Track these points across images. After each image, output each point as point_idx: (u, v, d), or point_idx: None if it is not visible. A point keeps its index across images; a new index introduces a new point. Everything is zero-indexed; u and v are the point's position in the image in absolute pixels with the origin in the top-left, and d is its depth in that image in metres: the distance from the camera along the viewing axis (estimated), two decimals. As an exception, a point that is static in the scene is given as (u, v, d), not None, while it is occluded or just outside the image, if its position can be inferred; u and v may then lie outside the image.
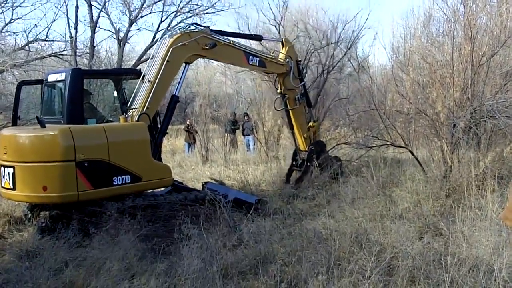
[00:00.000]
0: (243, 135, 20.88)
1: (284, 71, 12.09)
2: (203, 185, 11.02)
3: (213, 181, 11.94)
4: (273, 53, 12.38)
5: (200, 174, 14.15)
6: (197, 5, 23.30)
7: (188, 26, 10.11)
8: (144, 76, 9.34)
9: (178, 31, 9.85)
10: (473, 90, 9.75)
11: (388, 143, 11.33)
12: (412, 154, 10.76)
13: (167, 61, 9.36)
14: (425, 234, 7.17)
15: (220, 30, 10.89)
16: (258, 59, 11.35)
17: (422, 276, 5.56)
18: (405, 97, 11.43)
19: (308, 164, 12.24)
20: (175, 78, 10.34)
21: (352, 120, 14.01)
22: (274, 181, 12.55)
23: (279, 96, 12.80)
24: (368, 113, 13.14)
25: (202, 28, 10.33)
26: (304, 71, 13.84)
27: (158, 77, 9.22)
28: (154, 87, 9.16)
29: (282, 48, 12.35)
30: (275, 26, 18.11)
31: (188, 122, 21.19)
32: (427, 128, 10.51)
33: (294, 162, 12.90)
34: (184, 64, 10.08)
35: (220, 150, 17.28)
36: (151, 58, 9.81)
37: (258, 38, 12.77)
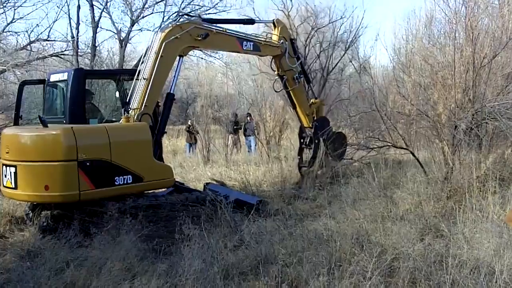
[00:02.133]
0: (245, 135, 20.87)
1: (279, 52, 11.93)
2: (204, 185, 11.02)
3: (214, 182, 11.94)
4: (266, 35, 12.22)
5: (201, 175, 14.14)
6: (198, 5, 23.34)
7: (178, 18, 10.00)
8: (139, 73, 9.24)
9: (169, 25, 9.70)
10: (474, 92, 9.75)
11: (389, 144, 11.31)
12: (413, 155, 10.75)
13: (161, 56, 9.21)
14: (426, 236, 7.16)
15: (212, 19, 10.81)
16: (252, 43, 11.26)
17: (423, 277, 5.56)
18: (407, 98, 11.45)
19: (317, 141, 12.32)
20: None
21: (354, 121, 13.95)
22: (275, 182, 12.54)
23: (277, 77, 12.75)
24: (369, 114, 13.09)
25: (193, 18, 10.25)
26: (307, 50, 13.73)
27: (153, 73, 9.11)
28: (150, 84, 9.07)
29: (275, 29, 12.16)
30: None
31: (189, 123, 21.22)
32: (429, 130, 10.51)
33: (302, 141, 12.92)
34: (178, 58, 9.92)
35: (222, 150, 17.28)
36: (145, 55, 9.67)
37: (250, 22, 12.60)
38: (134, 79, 9.21)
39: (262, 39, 11.74)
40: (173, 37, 9.42)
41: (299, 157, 12.92)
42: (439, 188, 9.01)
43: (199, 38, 9.93)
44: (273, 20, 12.40)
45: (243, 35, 11.36)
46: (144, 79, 9.11)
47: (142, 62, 9.40)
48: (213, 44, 10.71)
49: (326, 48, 18.11)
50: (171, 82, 10.23)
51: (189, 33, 9.77)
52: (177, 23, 9.70)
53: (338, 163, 12.32)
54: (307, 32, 18.40)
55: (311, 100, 12.97)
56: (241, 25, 13.38)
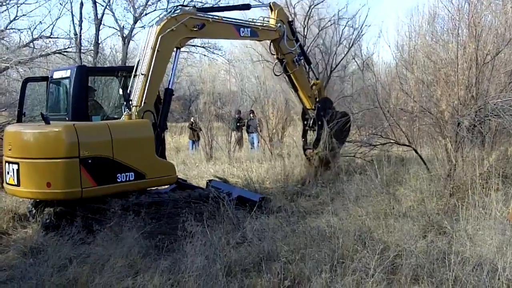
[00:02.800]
0: (248, 132, 20.87)
1: (277, 36, 11.84)
2: (207, 183, 11.02)
3: (217, 179, 11.94)
4: (263, 20, 12.00)
5: (204, 172, 14.15)
6: (201, 2, 23.32)
7: (173, 9, 9.90)
8: (136, 69, 9.20)
9: (164, 18, 9.58)
10: (477, 89, 9.73)
11: (392, 141, 11.30)
12: (416, 152, 10.74)
13: (158, 50, 9.13)
14: (428, 233, 7.15)
15: (207, 7, 10.72)
16: (249, 29, 11.18)
17: (425, 274, 5.56)
18: (410, 95, 11.43)
19: (320, 123, 12.29)
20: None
21: (356, 118, 13.94)
22: (278, 179, 12.54)
23: (276, 61, 12.67)
24: (372, 111, 13.08)
25: (187, 9, 10.17)
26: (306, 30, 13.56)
27: (151, 68, 9.04)
28: (149, 79, 9.00)
29: (271, 12, 12.06)
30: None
31: (192, 120, 21.22)
32: (431, 127, 10.49)
33: (305, 122, 12.87)
34: (175, 50, 9.83)
35: (224, 147, 17.29)
36: (141, 50, 9.55)
37: (246, 7, 12.22)
38: (132, 75, 9.17)
39: (259, 24, 11.63)
40: (168, 30, 9.32)
41: (303, 139, 12.91)
42: (442, 185, 9.00)
43: (195, 29, 9.83)
44: (270, 3, 12.19)
45: (240, 21, 11.29)
46: (142, 74, 9.05)
47: (138, 57, 9.32)
48: (210, 33, 10.63)
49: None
50: (169, 76, 10.13)
51: (185, 24, 9.66)
52: (172, 15, 9.60)
53: (342, 145, 12.30)
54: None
55: (313, 81, 12.93)
56: (238, 11, 13.21)
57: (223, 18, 10.68)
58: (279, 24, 11.82)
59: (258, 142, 19.43)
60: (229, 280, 5.78)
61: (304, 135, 12.92)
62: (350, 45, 18.64)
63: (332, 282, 5.44)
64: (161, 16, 9.72)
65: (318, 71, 17.42)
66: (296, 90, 12.84)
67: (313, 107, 12.61)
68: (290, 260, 6.17)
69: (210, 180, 11.29)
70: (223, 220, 7.99)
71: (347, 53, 18.90)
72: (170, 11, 9.76)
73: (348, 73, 21.34)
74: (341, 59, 18.54)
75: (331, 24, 18.19)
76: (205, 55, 28.91)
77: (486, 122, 9.84)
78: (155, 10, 25.32)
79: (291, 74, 12.41)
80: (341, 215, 8.24)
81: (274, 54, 12.43)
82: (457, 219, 7.35)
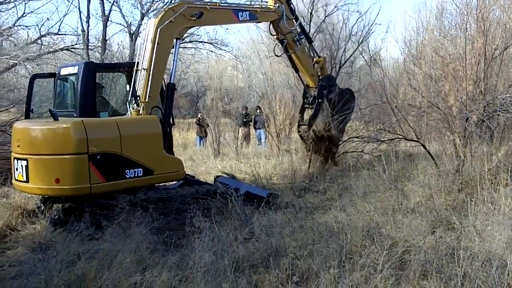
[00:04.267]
0: (255, 128, 20.85)
1: (276, 17, 11.71)
2: (214, 178, 11.02)
3: (225, 175, 11.94)
4: (261, 1, 11.88)
5: (212, 168, 14.16)
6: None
7: (170, 0, 9.78)
8: (138, 65, 9.16)
9: (161, 9, 9.51)
10: (486, 84, 9.69)
11: (400, 136, 11.26)
12: (424, 147, 10.70)
13: (157, 43, 9.07)
14: (437, 228, 7.13)
15: None
16: (247, 12, 11.09)
17: (434, 270, 5.55)
18: (417, 90, 11.39)
19: (320, 100, 12.21)
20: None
21: (364, 113, 13.91)
22: (286, 175, 12.53)
23: (277, 42, 12.57)
24: (380, 107, 13.04)
25: None
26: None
27: (152, 62, 9.00)
28: (151, 74, 8.97)
29: None
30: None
31: (199, 116, 21.23)
32: (440, 122, 10.45)
33: (305, 100, 12.79)
34: (175, 40, 9.75)
35: (232, 143, 17.28)
36: (141, 44, 9.50)
37: None
38: (134, 71, 9.13)
39: (258, 7, 11.52)
40: (167, 22, 9.25)
41: (299, 115, 12.83)
42: (450, 180, 8.96)
43: (194, 18, 9.75)
44: None
45: (238, 5, 11.20)
46: (144, 69, 9.03)
47: (139, 51, 9.28)
48: (209, 20, 10.56)
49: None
50: (171, 70, 10.04)
51: (183, 14, 9.57)
52: (169, 6, 9.55)
53: (345, 124, 12.23)
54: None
55: (314, 59, 12.81)
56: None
57: (221, 4, 10.63)
58: (277, 4, 11.68)
59: (266, 138, 19.42)
60: (237, 275, 5.79)
61: (302, 111, 12.82)
62: (359, 42, 18.61)
63: (341, 278, 5.43)
64: (159, 8, 9.65)
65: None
66: (297, 71, 12.74)
67: (316, 85, 12.51)
68: (298, 255, 6.17)
69: (217, 176, 11.29)
70: (231, 216, 8.00)
71: (355, 50, 18.87)
72: (167, 2, 9.69)
73: (355, 68, 21.29)
74: (350, 56, 18.52)
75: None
76: (212, 51, 28.95)
77: (494, 117, 9.80)
78: (162, 6, 25.34)
79: (292, 54, 12.30)
80: (349, 211, 8.23)
81: (274, 35, 12.30)
82: (466, 215, 7.33)
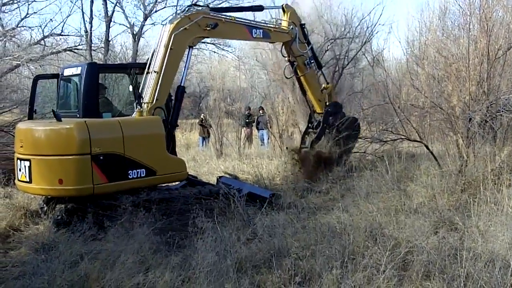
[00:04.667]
0: (257, 129, 20.87)
1: (289, 38, 11.90)
2: (217, 179, 11.03)
3: (227, 175, 11.94)
4: (276, 21, 12.14)
5: (214, 168, 14.17)
6: (213, 2, 23.37)
7: (187, 8, 9.97)
8: (149, 67, 9.25)
9: (178, 16, 9.69)
10: (489, 84, 9.66)
11: (402, 137, 11.25)
12: (427, 148, 10.68)
13: (171, 48, 9.21)
14: (440, 229, 7.12)
15: (220, 7, 10.81)
16: (261, 30, 11.24)
17: (437, 271, 5.54)
18: (420, 91, 11.35)
19: (324, 125, 12.28)
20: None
21: (367, 114, 13.91)
22: (288, 175, 12.52)
23: (288, 64, 12.66)
24: (382, 107, 13.03)
25: (201, 8, 10.21)
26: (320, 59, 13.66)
27: (164, 66, 9.12)
28: (161, 77, 9.07)
29: (284, 14, 12.13)
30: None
31: (202, 116, 21.25)
32: (443, 122, 10.43)
33: (309, 125, 12.88)
34: (188, 48, 9.92)
35: (234, 144, 17.29)
36: (154, 48, 9.62)
37: (259, 8, 12.29)
38: (145, 73, 9.23)
39: (272, 26, 11.69)
40: (182, 29, 9.40)
41: (302, 139, 12.87)
42: (453, 181, 8.95)
43: (208, 28, 9.90)
44: (282, 5, 12.27)
45: (253, 22, 11.35)
46: (155, 72, 9.12)
47: (151, 54, 9.41)
48: (222, 33, 10.70)
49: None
50: (182, 74, 10.20)
51: (198, 24, 9.74)
52: (186, 14, 9.68)
53: (349, 153, 12.28)
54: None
55: (323, 85, 12.90)
56: (250, 12, 13.25)
57: (236, 19, 10.75)
58: (291, 27, 11.90)
59: (268, 139, 19.42)
60: (240, 276, 5.79)
61: (305, 135, 12.93)
62: (363, 43, 18.58)
63: (343, 278, 5.43)
64: (174, 15, 9.77)
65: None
66: (304, 94, 12.88)
67: (322, 111, 12.62)
68: (300, 256, 6.16)
69: (220, 177, 11.30)
70: (233, 217, 8.00)
71: (358, 51, 18.84)
72: (184, 10, 9.83)
73: (358, 69, 21.24)
74: (353, 57, 18.50)
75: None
76: (215, 52, 28.99)
77: (497, 118, 9.77)
78: (165, 7, 25.47)
79: (301, 77, 12.47)
80: (351, 211, 8.23)
81: (285, 57, 12.49)
82: (469, 215, 7.32)
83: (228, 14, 10.71)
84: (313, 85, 12.66)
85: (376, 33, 18.84)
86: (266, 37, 11.53)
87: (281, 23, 12.02)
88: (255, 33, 11.13)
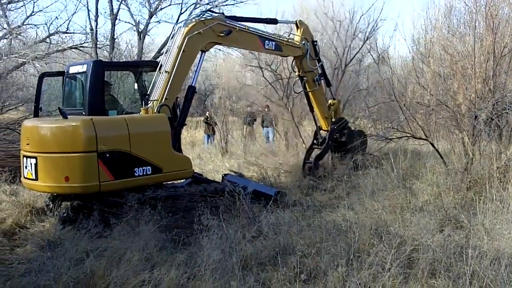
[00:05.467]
0: (263, 126, 20.86)
1: (300, 53, 12.06)
2: (222, 177, 11.04)
3: (233, 173, 11.96)
4: (288, 36, 12.29)
5: (220, 166, 14.18)
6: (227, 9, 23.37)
7: (202, 13, 10.04)
8: (161, 66, 9.33)
9: (193, 20, 9.78)
10: (495, 82, 9.65)
11: (408, 135, 11.23)
12: (433, 146, 10.67)
13: (183, 50, 9.32)
14: (445, 227, 7.11)
15: (235, 16, 10.83)
16: (274, 43, 11.33)
17: (442, 269, 5.54)
18: (426, 88, 11.34)
19: (330, 142, 12.37)
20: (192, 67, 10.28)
21: (372, 112, 13.91)
22: (294, 173, 12.53)
23: (297, 79, 12.83)
24: (388, 105, 13.03)
25: (216, 15, 10.30)
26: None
27: (175, 67, 9.21)
28: (172, 77, 9.15)
29: (297, 30, 12.31)
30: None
31: (207, 114, 21.24)
32: (448, 120, 10.42)
33: (315, 141, 12.94)
34: (200, 53, 10.01)
35: (240, 142, 17.29)
36: (167, 49, 9.72)
37: (273, 21, 12.43)
38: (156, 72, 9.30)
39: (284, 39, 11.82)
40: (196, 32, 9.51)
41: (306, 153, 12.92)
42: (459, 179, 8.94)
43: (222, 35, 10.00)
44: (296, 21, 12.53)
45: (266, 34, 11.40)
46: (166, 72, 9.19)
47: (164, 54, 9.47)
48: (235, 41, 10.74)
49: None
50: (193, 75, 10.27)
51: (212, 29, 9.85)
52: (201, 19, 9.78)
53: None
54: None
55: (329, 101, 13.03)
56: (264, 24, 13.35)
57: (250, 29, 10.82)
58: (303, 42, 12.05)
59: (274, 136, 19.43)
60: (245, 273, 5.80)
61: (309, 151, 12.97)
62: (365, 39, 18.53)
63: (349, 276, 5.43)
64: (190, 19, 9.85)
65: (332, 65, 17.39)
66: (312, 110, 12.95)
67: (328, 129, 12.75)
68: (306, 254, 6.17)
69: (225, 174, 11.32)
70: (238, 214, 8.00)
71: (361, 47, 18.79)
72: (200, 15, 9.91)
73: (363, 66, 21.21)
74: (356, 53, 18.45)
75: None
76: (220, 49, 28.91)
77: (503, 116, 9.75)
78: (170, 4, 25.42)
79: (309, 93, 12.59)
80: (357, 209, 8.23)
81: (295, 72, 12.63)
82: (474, 213, 7.31)
83: (242, 23, 10.78)
84: (321, 102, 12.79)
85: (378, 28, 18.75)
86: (278, 50, 11.62)
87: (293, 38, 12.17)
88: (267, 44, 11.22)
